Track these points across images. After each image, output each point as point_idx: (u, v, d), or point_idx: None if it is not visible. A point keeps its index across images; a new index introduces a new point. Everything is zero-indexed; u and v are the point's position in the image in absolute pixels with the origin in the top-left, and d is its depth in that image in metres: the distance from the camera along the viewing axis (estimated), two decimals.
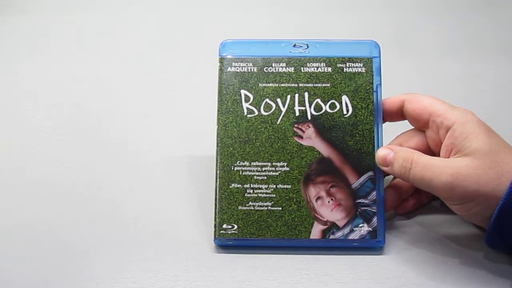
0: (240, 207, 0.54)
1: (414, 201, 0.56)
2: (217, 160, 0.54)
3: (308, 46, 0.56)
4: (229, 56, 0.56)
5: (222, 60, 0.56)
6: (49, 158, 0.61)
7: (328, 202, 0.54)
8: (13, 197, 0.58)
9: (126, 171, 0.60)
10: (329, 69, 0.55)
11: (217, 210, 0.54)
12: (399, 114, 0.55)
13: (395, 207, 0.56)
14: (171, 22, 0.77)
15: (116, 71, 0.70)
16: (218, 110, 0.55)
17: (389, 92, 0.56)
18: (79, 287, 0.51)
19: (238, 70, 0.55)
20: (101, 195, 0.58)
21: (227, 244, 0.54)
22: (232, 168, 0.54)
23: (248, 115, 0.55)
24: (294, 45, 0.56)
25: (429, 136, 0.54)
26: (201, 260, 0.53)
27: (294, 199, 0.54)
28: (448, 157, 0.51)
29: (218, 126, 0.55)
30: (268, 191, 0.54)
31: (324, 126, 0.55)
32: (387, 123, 0.56)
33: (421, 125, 0.54)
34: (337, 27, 0.75)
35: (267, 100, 0.55)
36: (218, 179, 0.54)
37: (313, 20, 0.76)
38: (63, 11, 0.78)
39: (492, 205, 0.48)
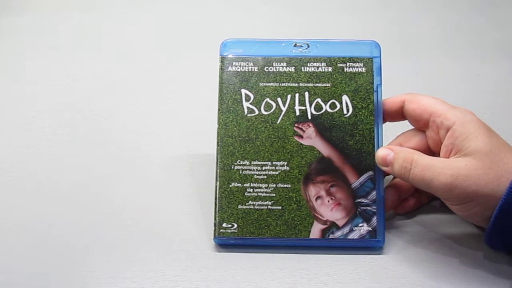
0: (240, 206, 0.54)
1: (414, 201, 0.56)
2: (217, 159, 0.54)
3: (308, 46, 0.56)
4: (230, 56, 0.56)
5: (223, 59, 0.56)
6: (49, 158, 0.61)
7: (328, 201, 0.54)
8: (13, 197, 0.58)
9: (126, 170, 0.60)
10: (330, 69, 0.55)
11: (217, 209, 0.54)
12: (399, 114, 0.55)
13: (395, 207, 0.56)
14: (172, 22, 0.76)
15: (116, 71, 0.70)
16: (219, 109, 0.55)
17: (389, 92, 0.56)
18: (79, 287, 0.51)
19: (239, 70, 0.55)
20: (101, 195, 0.58)
21: (226, 243, 0.54)
22: (232, 167, 0.54)
23: (249, 115, 0.55)
24: (295, 45, 0.56)
25: (429, 136, 0.54)
26: (201, 259, 0.53)
27: (294, 199, 0.54)
28: (448, 157, 0.51)
29: (219, 125, 0.55)
30: (268, 190, 0.54)
31: (324, 126, 0.55)
32: (387, 123, 0.56)
33: (421, 125, 0.54)
34: (337, 28, 0.75)
35: (268, 99, 0.55)
36: (218, 178, 0.54)
37: (313, 20, 0.76)
38: (63, 11, 0.77)
39: (492, 205, 0.48)
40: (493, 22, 0.75)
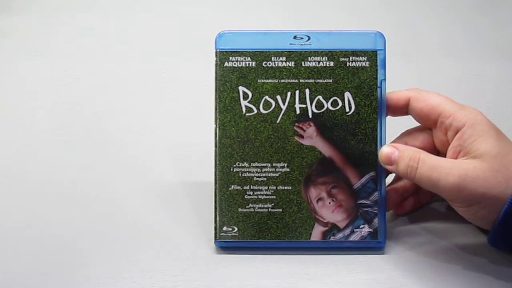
0: (240, 209, 0.51)
1: (413, 201, 0.54)
2: (216, 161, 0.51)
3: (309, 38, 0.52)
4: (226, 50, 0.52)
5: (218, 54, 0.52)
6: (49, 158, 0.60)
7: (329, 203, 0.52)
8: (13, 197, 0.57)
9: (126, 171, 0.59)
10: (332, 64, 0.52)
11: (217, 212, 0.51)
12: (403, 110, 0.52)
13: (395, 208, 0.54)
14: (171, 20, 0.76)
15: (116, 71, 0.69)
16: (216, 109, 0.52)
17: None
18: (79, 287, 0.50)
19: (236, 65, 0.52)
20: (101, 195, 0.57)
21: (227, 245, 0.51)
22: (231, 169, 0.51)
23: (247, 114, 0.52)
24: (295, 37, 0.52)
25: (436, 136, 0.51)
26: (202, 262, 0.51)
27: (295, 201, 0.51)
28: (456, 159, 0.49)
29: (216, 125, 0.52)
30: (268, 193, 0.51)
31: (326, 125, 0.51)
32: (390, 121, 0.53)
33: (428, 124, 0.51)
34: (336, 26, 0.74)
35: (267, 97, 0.52)
36: (217, 181, 0.51)
37: (313, 19, 0.75)
38: (63, 11, 0.77)
39: (498, 208, 0.46)
40: (493, 22, 0.75)
